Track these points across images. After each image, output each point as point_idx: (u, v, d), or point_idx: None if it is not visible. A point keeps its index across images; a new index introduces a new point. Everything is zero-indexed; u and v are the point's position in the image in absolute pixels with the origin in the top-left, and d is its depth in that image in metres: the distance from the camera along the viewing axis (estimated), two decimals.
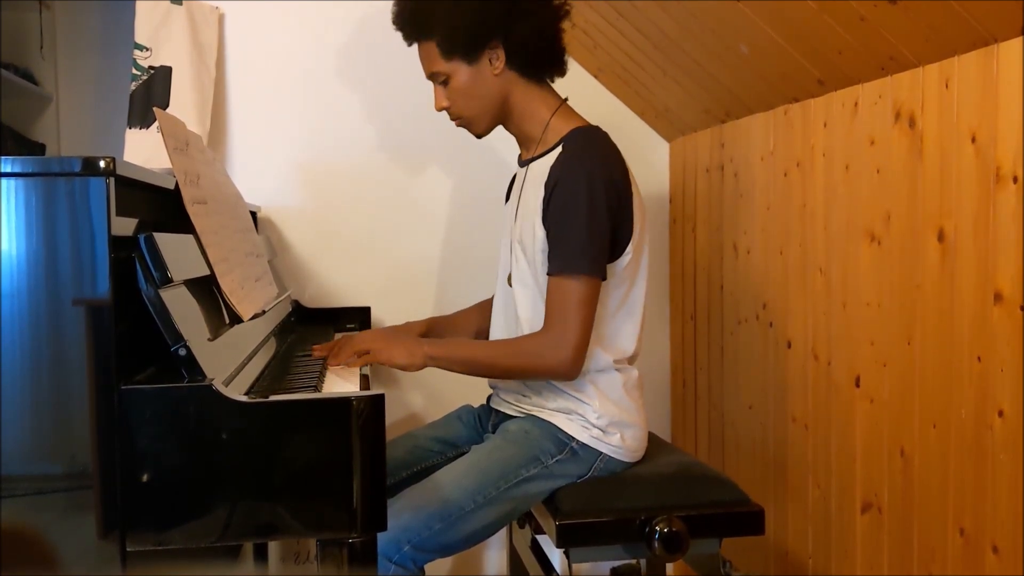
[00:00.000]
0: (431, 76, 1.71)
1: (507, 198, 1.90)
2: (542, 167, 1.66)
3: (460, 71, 1.66)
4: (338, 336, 1.78)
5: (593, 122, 1.71)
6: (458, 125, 1.75)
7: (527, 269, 1.68)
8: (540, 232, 1.63)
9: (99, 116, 2.49)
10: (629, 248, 1.64)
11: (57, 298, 1.06)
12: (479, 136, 1.76)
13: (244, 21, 2.37)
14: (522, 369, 1.64)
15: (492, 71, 1.66)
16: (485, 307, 1.97)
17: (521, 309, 1.69)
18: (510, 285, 1.73)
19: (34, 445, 1.07)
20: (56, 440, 1.07)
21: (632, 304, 1.69)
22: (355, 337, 1.67)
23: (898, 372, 1.58)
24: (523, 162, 1.77)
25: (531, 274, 1.67)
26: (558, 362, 1.57)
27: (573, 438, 1.64)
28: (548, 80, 1.74)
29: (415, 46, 1.71)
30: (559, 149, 1.64)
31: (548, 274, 1.60)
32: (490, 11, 1.63)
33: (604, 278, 1.60)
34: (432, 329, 1.97)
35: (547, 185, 1.61)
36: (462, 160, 2.47)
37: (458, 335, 1.99)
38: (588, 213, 1.56)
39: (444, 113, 1.74)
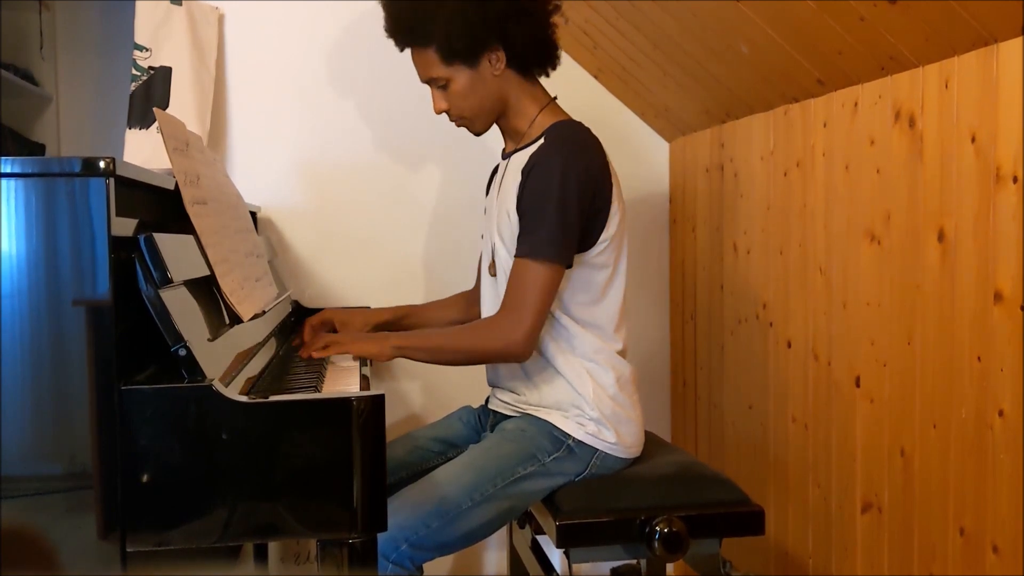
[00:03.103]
0: (428, 81, 1.70)
1: (487, 191, 1.92)
2: (522, 157, 1.68)
3: (460, 75, 1.66)
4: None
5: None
6: (458, 125, 1.76)
7: (507, 258, 1.69)
8: (515, 218, 1.65)
9: (99, 116, 2.49)
10: (604, 238, 1.65)
11: (57, 298, 1.06)
12: (478, 134, 1.77)
13: (244, 21, 2.37)
14: (477, 350, 1.65)
15: (492, 72, 1.67)
16: (460, 299, 2.03)
17: None
18: (493, 275, 1.75)
19: (34, 445, 1.07)
20: (56, 440, 1.07)
21: (613, 294, 1.70)
22: (325, 335, 1.73)
23: (898, 372, 1.58)
24: (506, 155, 1.79)
25: (511, 262, 1.68)
26: (510, 343, 1.58)
27: (569, 436, 1.65)
28: (543, 75, 1.76)
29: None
30: (541, 140, 1.67)
31: (515, 256, 1.61)
32: (487, 15, 1.62)
33: (569, 266, 1.62)
34: (403, 318, 2.00)
35: (524, 171, 1.63)
36: (462, 159, 2.47)
37: (431, 325, 2.01)
38: (559, 200, 1.58)
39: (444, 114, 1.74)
